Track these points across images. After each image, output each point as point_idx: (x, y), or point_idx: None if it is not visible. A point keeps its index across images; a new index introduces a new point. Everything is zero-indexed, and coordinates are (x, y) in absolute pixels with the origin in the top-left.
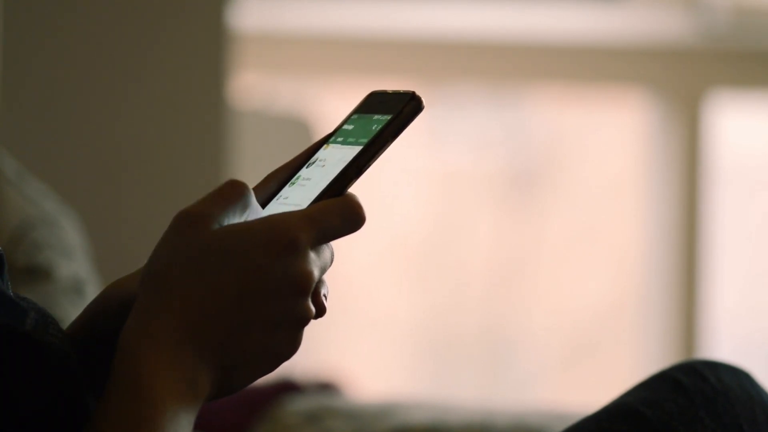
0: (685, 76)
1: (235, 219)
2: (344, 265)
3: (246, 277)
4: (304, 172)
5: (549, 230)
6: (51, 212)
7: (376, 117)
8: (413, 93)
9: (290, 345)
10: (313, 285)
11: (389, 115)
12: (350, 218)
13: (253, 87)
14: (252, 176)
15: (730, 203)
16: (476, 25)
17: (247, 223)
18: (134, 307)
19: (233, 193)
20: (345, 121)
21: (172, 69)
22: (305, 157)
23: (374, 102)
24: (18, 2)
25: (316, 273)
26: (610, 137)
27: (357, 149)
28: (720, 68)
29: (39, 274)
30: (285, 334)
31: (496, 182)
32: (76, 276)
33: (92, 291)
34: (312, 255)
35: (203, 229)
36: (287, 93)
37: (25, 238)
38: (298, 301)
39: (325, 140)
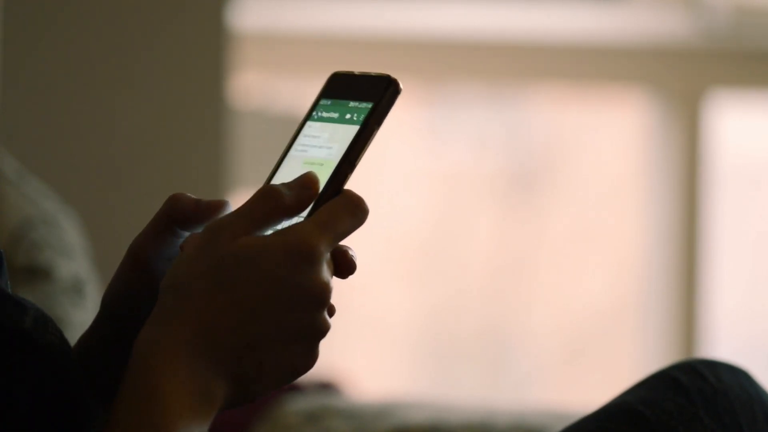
0: (685, 76)
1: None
2: None
3: (265, 289)
4: (290, 163)
5: (549, 230)
6: (51, 212)
7: (352, 104)
8: (389, 77)
9: (307, 358)
10: (330, 296)
11: (368, 102)
12: (356, 215)
13: (253, 87)
14: (252, 176)
15: (730, 203)
16: (476, 25)
17: (264, 237)
18: (151, 316)
19: (266, 209)
20: (314, 107)
21: (172, 69)
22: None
23: (342, 86)
24: (18, 2)
25: (331, 283)
26: (610, 137)
27: (345, 143)
28: (720, 68)
29: (39, 274)
30: (302, 347)
31: (496, 182)
32: (76, 276)
33: (92, 291)
34: (325, 264)
35: (227, 242)
36: (287, 93)
37: (25, 238)
38: (317, 314)
39: (301, 126)
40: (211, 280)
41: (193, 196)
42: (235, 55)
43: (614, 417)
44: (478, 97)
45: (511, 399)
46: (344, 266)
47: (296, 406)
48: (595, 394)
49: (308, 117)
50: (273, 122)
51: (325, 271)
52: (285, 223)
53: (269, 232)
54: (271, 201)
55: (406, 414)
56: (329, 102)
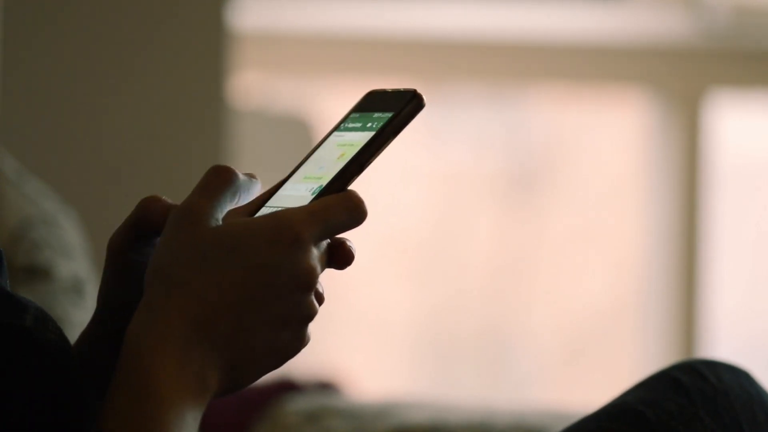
0: (685, 76)
1: (227, 206)
2: None
3: (252, 273)
4: (304, 168)
5: (549, 230)
6: (51, 212)
7: (376, 115)
8: (414, 91)
9: (296, 342)
10: (317, 281)
11: (390, 112)
12: (352, 214)
13: (253, 87)
14: None
15: (730, 203)
16: (476, 25)
17: (251, 220)
18: (140, 305)
19: (220, 182)
20: (344, 119)
21: (171, 69)
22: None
23: (374, 100)
24: (18, 2)
25: (318, 269)
26: (610, 137)
27: (358, 146)
28: (720, 68)
29: (39, 273)
30: (291, 330)
31: (496, 182)
32: (76, 276)
33: (92, 291)
34: (314, 251)
35: (203, 226)
36: (287, 93)
37: (24, 238)
38: (303, 298)
39: (325, 137)
40: (199, 266)
41: (166, 201)
42: (235, 55)
43: (614, 417)
44: (478, 97)
45: (511, 399)
46: (342, 257)
47: (296, 406)
48: (595, 394)
49: (335, 128)
50: (273, 122)
51: (313, 258)
52: (244, 197)
53: (229, 204)
54: (223, 173)
55: (406, 414)
56: (358, 115)
